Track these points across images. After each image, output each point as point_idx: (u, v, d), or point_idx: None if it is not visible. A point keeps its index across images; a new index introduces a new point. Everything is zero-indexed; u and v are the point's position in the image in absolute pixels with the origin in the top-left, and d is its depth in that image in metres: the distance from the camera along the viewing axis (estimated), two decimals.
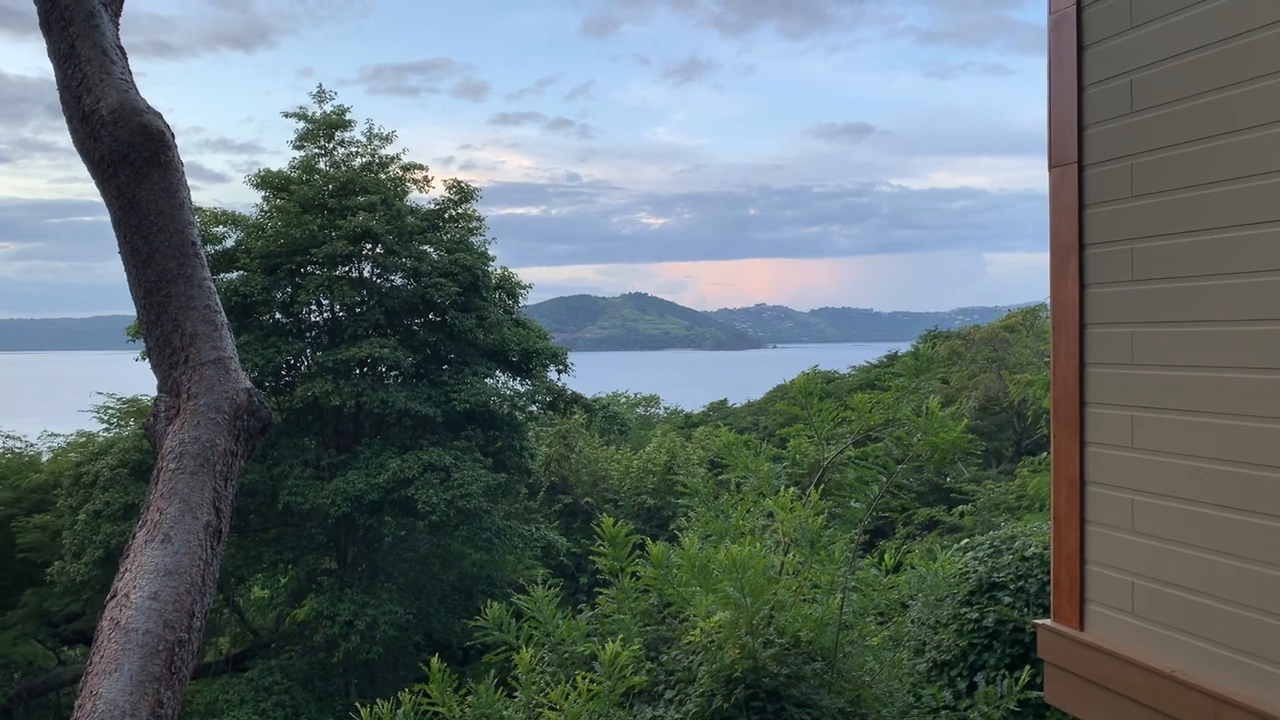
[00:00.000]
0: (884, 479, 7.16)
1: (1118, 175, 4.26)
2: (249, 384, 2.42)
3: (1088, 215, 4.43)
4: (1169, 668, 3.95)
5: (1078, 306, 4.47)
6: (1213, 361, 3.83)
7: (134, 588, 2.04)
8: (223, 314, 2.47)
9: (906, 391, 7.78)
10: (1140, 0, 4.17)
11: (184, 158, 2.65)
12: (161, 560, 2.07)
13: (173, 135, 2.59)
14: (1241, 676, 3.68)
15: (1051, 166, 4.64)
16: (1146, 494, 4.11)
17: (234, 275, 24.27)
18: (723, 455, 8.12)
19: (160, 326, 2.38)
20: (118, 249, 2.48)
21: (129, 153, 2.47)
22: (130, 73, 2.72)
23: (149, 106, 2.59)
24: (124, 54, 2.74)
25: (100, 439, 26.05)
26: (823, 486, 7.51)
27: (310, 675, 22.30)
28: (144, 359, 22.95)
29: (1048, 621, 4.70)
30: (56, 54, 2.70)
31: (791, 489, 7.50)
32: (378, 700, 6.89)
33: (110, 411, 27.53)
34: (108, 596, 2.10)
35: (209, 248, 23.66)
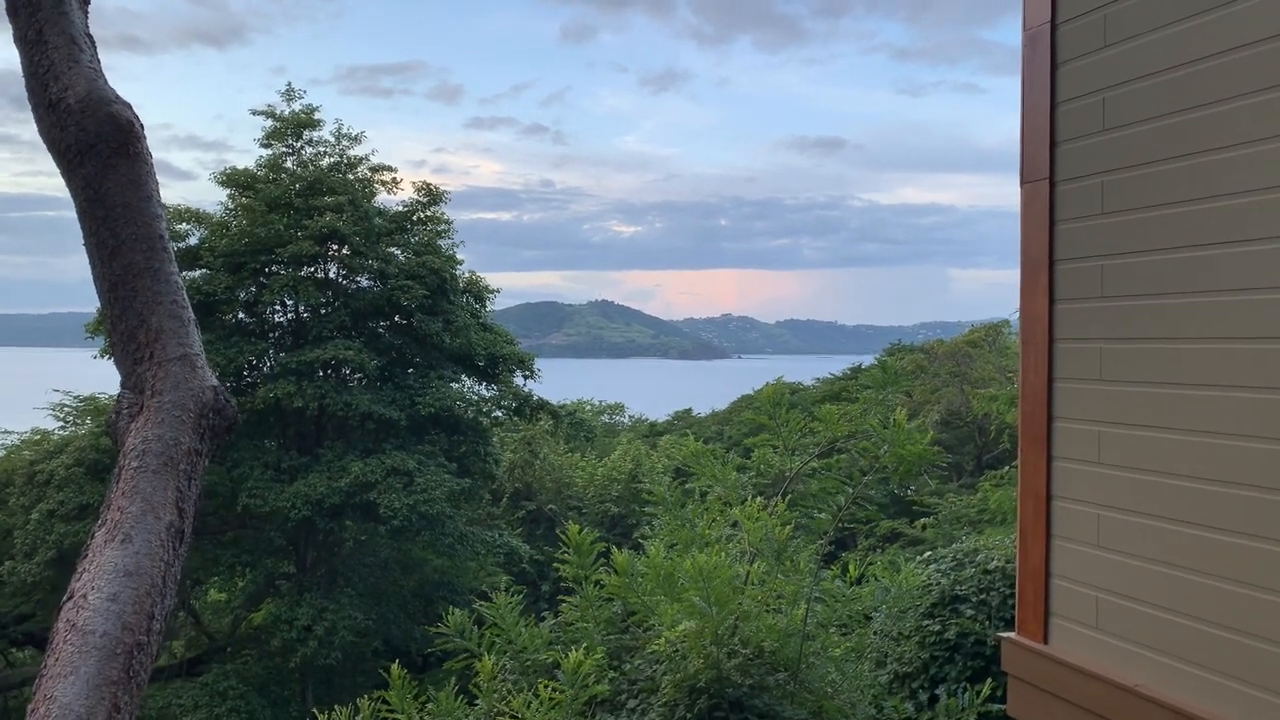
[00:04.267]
0: (850, 490, 7.18)
1: (1089, 192, 4.30)
2: (215, 381, 2.37)
3: (1058, 231, 4.46)
4: (1132, 682, 3.97)
5: (1047, 321, 4.50)
6: (1179, 378, 3.87)
7: (92, 589, 1.98)
8: (190, 310, 2.41)
9: (874, 403, 7.81)
10: (1114, 20, 4.21)
11: (151, 154, 2.59)
12: (121, 561, 2.01)
13: (142, 126, 2.54)
14: (1204, 691, 3.71)
15: (1023, 182, 4.67)
16: (1112, 509, 4.14)
17: (197, 273, 23.95)
18: (690, 464, 8.11)
19: (125, 321, 2.32)
20: (83, 241, 2.42)
21: (96, 143, 2.41)
22: (99, 61, 2.66)
23: (118, 96, 2.53)
24: (93, 42, 2.68)
25: (55, 437, 25.59)
26: (789, 496, 7.52)
27: (266, 680, 21.98)
28: (103, 356, 22.62)
29: (1012, 634, 4.72)
30: (23, 40, 2.63)
31: (758, 499, 7.50)
32: (335, 706, 6.80)
33: (66, 409, 27.07)
34: (64, 597, 2.04)
35: (172, 245, 23.31)
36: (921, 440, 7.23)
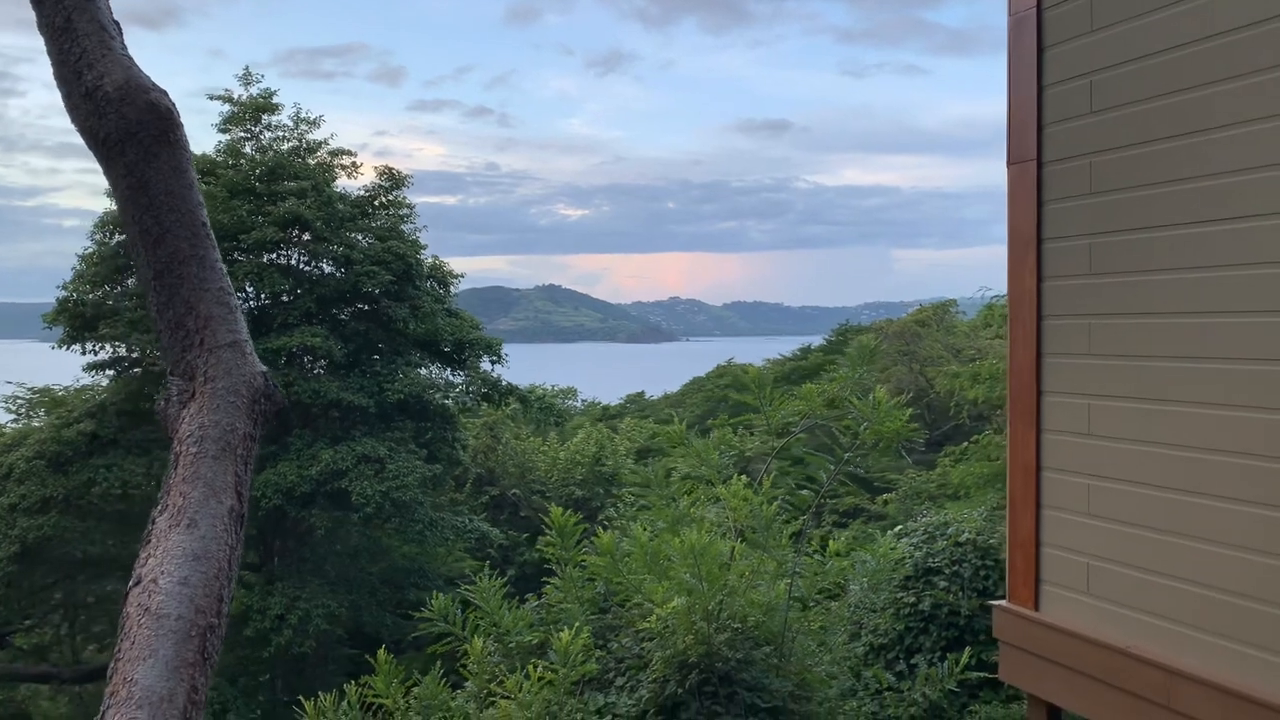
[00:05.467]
0: (832, 466, 7.31)
1: (1076, 173, 4.42)
2: (264, 368, 2.40)
3: (1046, 211, 4.58)
4: (1124, 643, 4.13)
5: (1035, 298, 4.63)
6: (1166, 351, 4.01)
7: (162, 573, 2.01)
8: (235, 296, 2.43)
9: (850, 381, 7.95)
10: (1100, 4, 4.33)
11: (189, 141, 2.59)
12: (189, 545, 2.04)
13: (179, 113, 2.54)
14: (1194, 650, 3.87)
15: (1010, 163, 4.78)
16: (1102, 478, 4.28)
17: None
18: (673, 444, 8.19)
19: (173, 309, 2.34)
20: (124, 229, 2.42)
21: (137, 131, 2.42)
22: (127, 48, 2.66)
23: (154, 83, 2.53)
24: (120, 29, 2.68)
25: (10, 430, 25.07)
26: (772, 474, 7.64)
27: (237, 671, 21.82)
28: (60, 347, 22.06)
29: (1003, 603, 4.86)
30: (50, 27, 2.62)
31: (743, 476, 7.61)
32: (319, 694, 6.80)
33: (19, 401, 26.53)
34: (131, 583, 2.07)
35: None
36: (900, 417, 7.38)
